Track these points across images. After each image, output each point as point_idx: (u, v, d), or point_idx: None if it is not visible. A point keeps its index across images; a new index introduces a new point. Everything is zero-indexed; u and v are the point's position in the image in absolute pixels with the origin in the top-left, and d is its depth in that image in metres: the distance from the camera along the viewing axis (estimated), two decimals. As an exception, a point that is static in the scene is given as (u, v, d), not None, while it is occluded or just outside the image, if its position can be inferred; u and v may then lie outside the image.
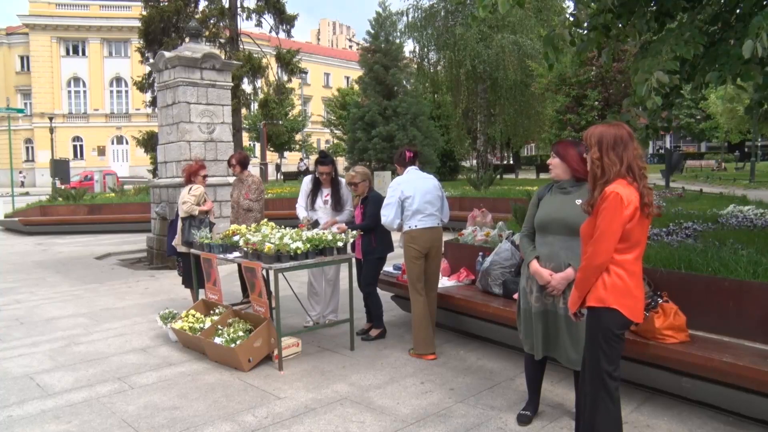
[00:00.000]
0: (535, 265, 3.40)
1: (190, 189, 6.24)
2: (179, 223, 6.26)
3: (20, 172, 44.15)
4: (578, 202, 3.18)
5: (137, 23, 22.09)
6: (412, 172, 5.02)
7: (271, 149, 39.51)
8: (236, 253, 5.15)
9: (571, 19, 4.92)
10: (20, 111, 25.66)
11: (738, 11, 4.61)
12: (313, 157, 47.92)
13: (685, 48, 3.98)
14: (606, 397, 2.79)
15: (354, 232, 5.13)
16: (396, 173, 5.20)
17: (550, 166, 3.49)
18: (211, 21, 20.73)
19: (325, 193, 5.85)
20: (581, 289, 2.83)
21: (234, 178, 7.06)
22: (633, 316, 2.77)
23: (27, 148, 48.41)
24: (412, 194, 4.84)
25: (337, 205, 5.84)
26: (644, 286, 4.12)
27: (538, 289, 3.42)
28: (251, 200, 6.58)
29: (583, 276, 2.81)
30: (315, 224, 5.57)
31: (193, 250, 5.70)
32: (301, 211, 5.92)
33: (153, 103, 20.39)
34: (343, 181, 5.84)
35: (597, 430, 2.83)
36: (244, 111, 25.29)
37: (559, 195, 3.44)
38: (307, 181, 5.95)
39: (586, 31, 4.90)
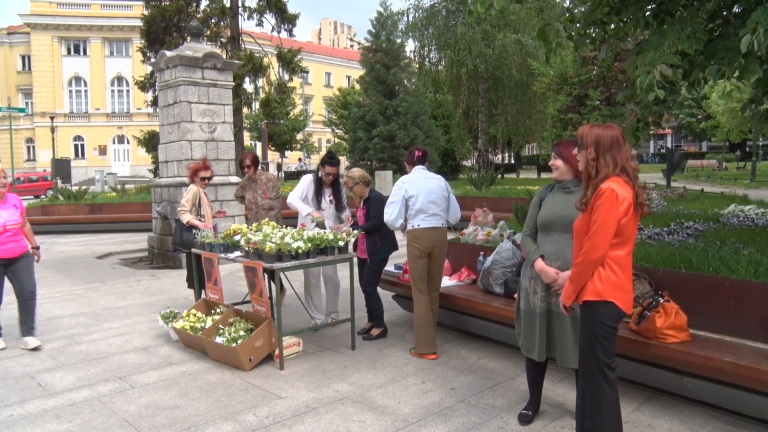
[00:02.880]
0: (540, 263, 3.39)
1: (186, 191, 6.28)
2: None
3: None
4: None
5: (138, 23, 22.13)
6: (419, 172, 5.00)
7: (273, 148, 39.52)
8: (237, 253, 5.15)
9: (567, 14, 4.92)
10: (21, 110, 25.70)
11: (737, 8, 4.62)
12: (315, 157, 47.65)
13: (687, 42, 3.98)
14: (607, 387, 2.89)
15: (355, 231, 5.13)
16: (405, 172, 5.20)
17: (553, 167, 3.49)
18: (213, 20, 20.74)
19: (328, 193, 5.83)
20: (577, 283, 2.91)
21: (238, 178, 6.98)
22: (626, 308, 2.89)
23: (28, 148, 48.43)
24: (415, 193, 4.83)
25: (339, 205, 5.84)
26: (645, 286, 4.15)
27: (543, 288, 3.41)
28: (272, 199, 6.60)
29: (580, 270, 2.88)
30: (321, 225, 5.47)
31: (194, 250, 5.70)
32: (301, 204, 5.72)
33: (154, 102, 20.44)
34: (342, 180, 5.84)
35: (601, 417, 2.89)
36: (245, 110, 25.29)
37: (562, 194, 3.43)
38: (308, 180, 5.87)
39: (581, 26, 4.89)
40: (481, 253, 5.42)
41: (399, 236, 5.34)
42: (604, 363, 2.87)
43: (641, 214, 2.87)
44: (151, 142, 22.97)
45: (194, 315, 5.31)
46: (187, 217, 6.11)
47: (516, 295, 3.77)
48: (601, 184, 2.80)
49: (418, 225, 4.82)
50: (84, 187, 20.61)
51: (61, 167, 28.90)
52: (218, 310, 5.30)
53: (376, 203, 5.37)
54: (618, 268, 2.84)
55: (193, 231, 5.88)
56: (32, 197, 27.93)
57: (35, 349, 5.22)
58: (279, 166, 41.66)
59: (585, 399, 2.99)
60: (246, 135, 32.85)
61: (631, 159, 2.87)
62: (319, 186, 5.81)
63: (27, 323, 5.39)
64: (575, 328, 3.29)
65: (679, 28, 4.05)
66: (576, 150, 3.03)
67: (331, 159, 5.79)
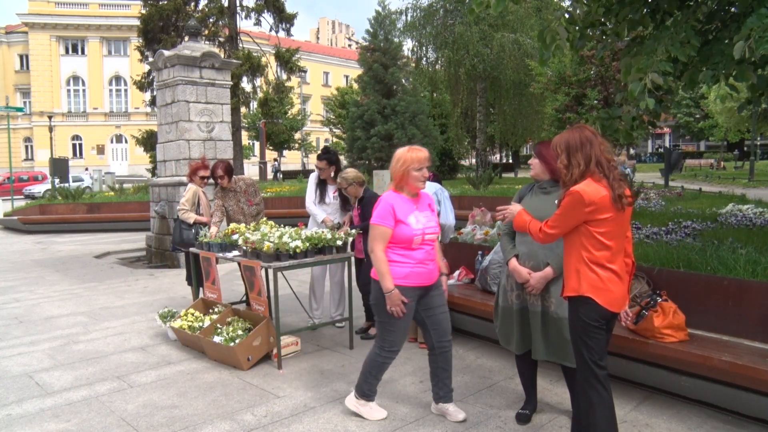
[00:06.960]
0: (513, 263, 3.45)
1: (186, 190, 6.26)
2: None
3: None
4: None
5: (136, 22, 22.09)
6: None
7: (270, 148, 39.48)
8: (235, 252, 5.15)
9: (566, 15, 4.92)
10: (19, 110, 25.57)
11: (733, 10, 4.62)
12: (313, 156, 47.57)
13: (681, 49, 3.98)
14: (598, 385, 2.88)
15: (353, 231, 5.12)
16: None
17: (531, 165, 3.53)
18: (211, 20, 20.74)
19: (332, 189, 5.75)
20: (517, 223, 3.19)
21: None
22: (611, 306, 2.84)
23: (26, 147, 48.35)
24: None
25: (345, 203, 5.76)
26: (643, 285, 4.15)
27: (518, 287, 3.47)
28: (257, 204, 6.21)
29: (527, 229, 3.10)
30: (338, 227, 5.42)
31: (192, 249, 5.69)
32: (314, 209, 5.73)
33: (152, 102, 20.40)
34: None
35: (595, 415, 2.89)
36: (243, 109, 25.32)
37: (540, 195, 3.47)
38: (313, 177, 5.86)
39: (580, 27, 4.89)
40: (479, 252, 5.42)
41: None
42: (591, 361, 2.87)
43: (625, 207, 2.80)
44: (149, 141, 22.96)
45: (192, 314, 5.30)
46: (192, 216, 6.10)
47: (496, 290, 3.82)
48: (572, 186, 2.81)
49: None
50: (77, 184, 20.52)
51: (59, 166, 28.80)
52: (216, 310, 5.30)
53: (371, 203, 5.35)
54: (599, 269, 2.81)
55: (193, 229, 5.87)
56: (22, 197, 27.96)
57: (463, 421, 3.62)
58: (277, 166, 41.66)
59: (579, 393, 3.01)
60: (244, 134, 32.85)
61: (607, 152, 2.85)
62: (320, 181, 5.79)
63: (445, 383, 3.69)
64: (544, 327, 3.36)
65: (673, 33, 4.05)
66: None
67: (320, 153, 5.77)
